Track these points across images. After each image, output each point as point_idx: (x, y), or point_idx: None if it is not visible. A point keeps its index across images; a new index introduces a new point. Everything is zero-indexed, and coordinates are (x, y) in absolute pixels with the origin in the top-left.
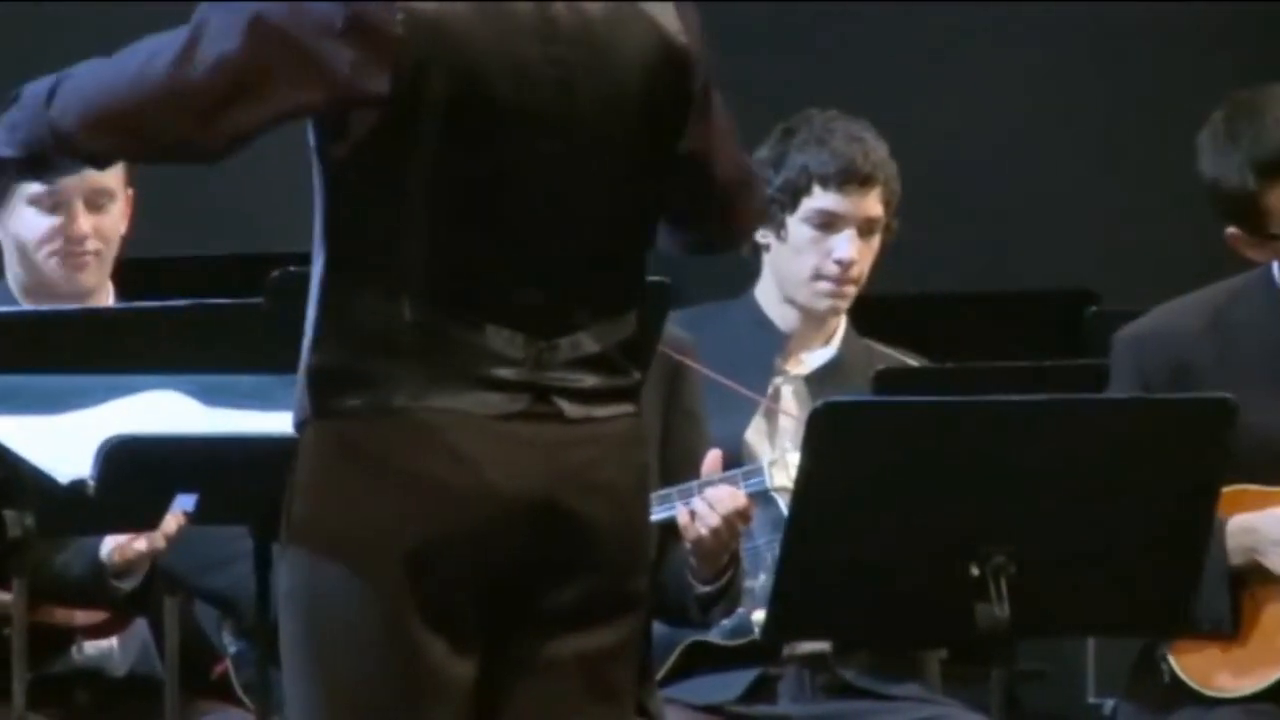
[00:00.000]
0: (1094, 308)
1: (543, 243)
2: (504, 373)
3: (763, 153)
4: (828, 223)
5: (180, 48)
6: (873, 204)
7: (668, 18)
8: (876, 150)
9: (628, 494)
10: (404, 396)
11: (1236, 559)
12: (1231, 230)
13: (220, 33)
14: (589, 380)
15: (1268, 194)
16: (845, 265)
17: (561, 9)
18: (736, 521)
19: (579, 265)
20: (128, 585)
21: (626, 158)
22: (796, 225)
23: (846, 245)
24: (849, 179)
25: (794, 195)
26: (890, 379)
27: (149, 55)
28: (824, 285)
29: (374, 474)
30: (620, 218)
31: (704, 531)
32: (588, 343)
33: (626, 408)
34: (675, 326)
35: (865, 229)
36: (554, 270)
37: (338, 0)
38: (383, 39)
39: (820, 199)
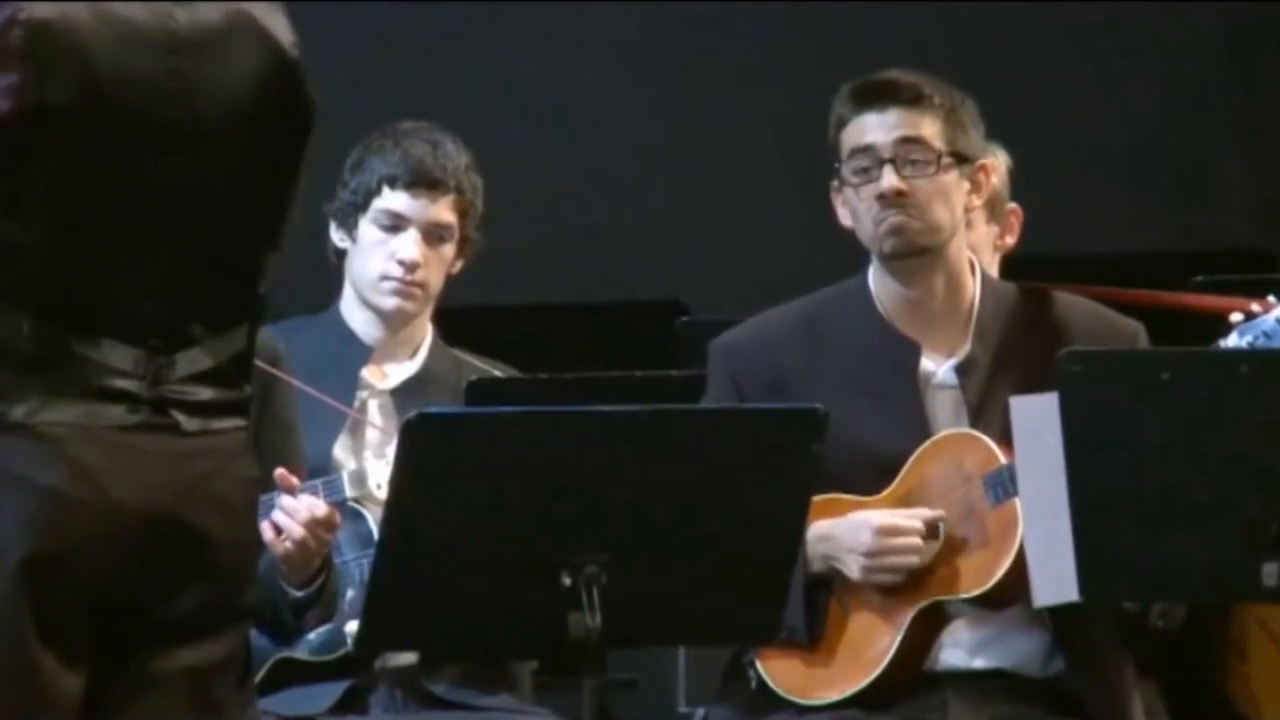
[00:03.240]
0: (685, 318)
1: (161, 258)
2: (122, 385)
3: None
4: (393, 224)
5: None
6: (442, 210)
7: (281, 29)
8: (453, 158)
9: (240, 507)
10: (23, 411)
11: (816, 566)
12: (834, 184)
13: None
14: (205, 394)
15: (847, 126)
16: (408, 266)
17: (182, 19)
18: (317, 529)
19: (197, 280)
20: None
21: (244, 171)
22: (366, 226)
23: (409, 246)
24: (417, 181)
25: (366, 197)
26: (481, 390)
27: None
28: (388, 285)
29: None
30: (238, 232)
31: (289, 544)
32: (203, 357)
33: (238, 421)
34: (266, 338)
35: (432, 234)
36: (172, 285)
37: None
38: (8, 59)
39: (388, 199)
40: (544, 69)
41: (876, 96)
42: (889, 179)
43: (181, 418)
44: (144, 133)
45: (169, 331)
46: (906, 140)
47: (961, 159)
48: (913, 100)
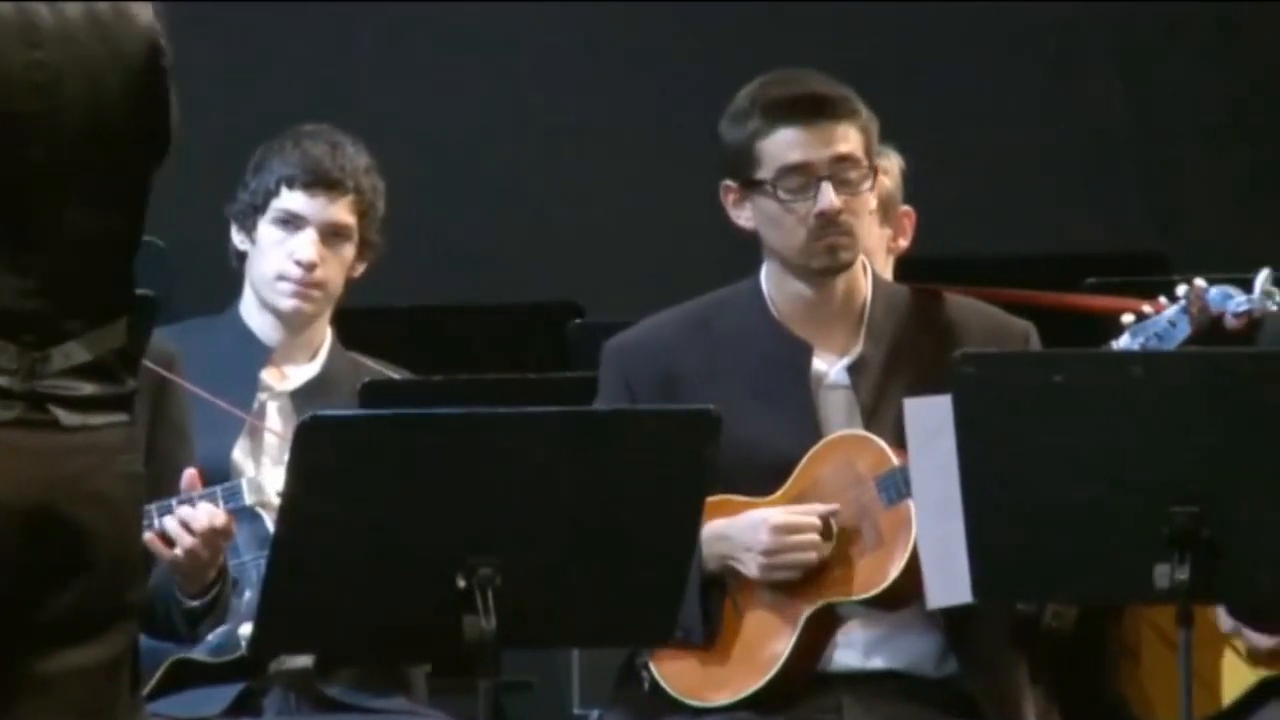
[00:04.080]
0: (579, 319)
1: (34, 251)
2: None
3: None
4: (291, 223)
5: None
6: (341, 211)
7: (146, 17)
8: (352, 159)
9: (122, 503)
10: None
11: (711, 566)
12: (727, 183)
13: None
14: (85, 388)
15: (766, 137)
16: (305, 266)
17: (43, 11)
18: (215, 539)
19: (71, 273)
20: None
21: (114, 163)
22: (265, 227)
23: (306, 246)
24: (315, 181)
25: (265, 198)
26: (376, 392)
27: None
28: (285, 285)
29: None
30: (110, 224)
31: (180, 552)
32: (80, 351)
33: (121, 416)
34: (160, 340)
35: (330, 234)
36: (46, 278)
37: None
38: None
39: (286, 199)
40: (442, 71)
41: (803, 110)
42: (831, 199)
43: (61, 413)
44: (9, 127)
45: (42, 326)
46: (841, 158)
47: (873, 169)
48: (845, 115)
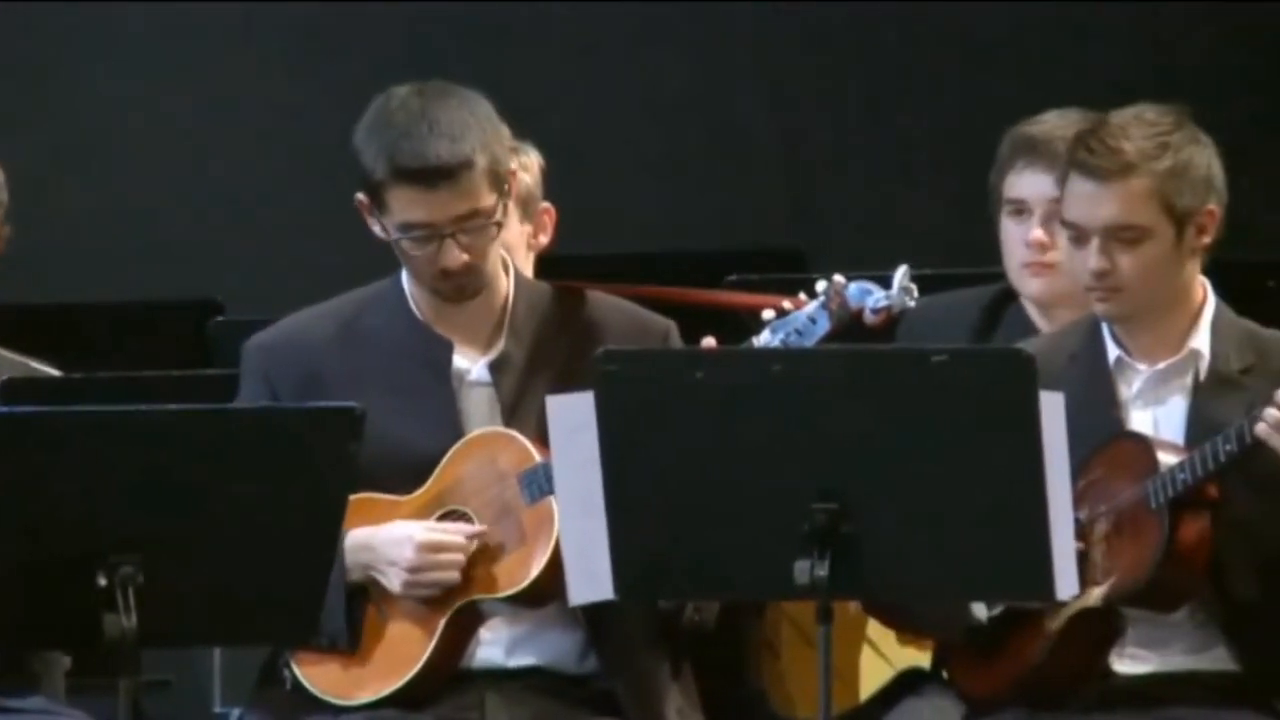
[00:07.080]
0: (219, 317)
1: None
2: None
3: None
4: None
5: None
6: None
7: None
8: None
9: None
10: None
11: (355, 575)
12: (361, 197)
13: None
14: None
15: (391, 190)
16: None
17: None
18: None
19: None
20: None
21: None
22: None
23: None
24: None
25: None
26: (18, 389)
27: None
28: None
29: None
30: None
31: None
32: None
33: None
34: None
35: None
36: None
37: None
38: None
39: None
40: (83, 69)
41: (426, 179)
42: (454, 257)
43: None
44: None
45: None
46: (463, 217)
47: (506, 191)
48: (465, 178)
